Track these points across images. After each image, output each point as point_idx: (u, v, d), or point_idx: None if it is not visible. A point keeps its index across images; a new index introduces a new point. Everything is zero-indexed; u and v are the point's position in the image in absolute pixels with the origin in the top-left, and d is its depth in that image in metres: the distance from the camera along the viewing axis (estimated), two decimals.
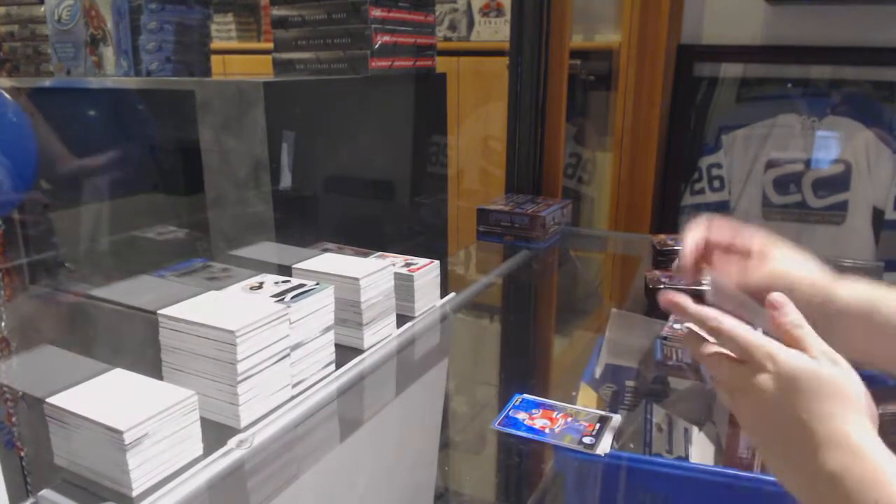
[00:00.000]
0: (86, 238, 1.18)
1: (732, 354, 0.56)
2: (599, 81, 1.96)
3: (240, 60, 2.49)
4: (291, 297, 0.64)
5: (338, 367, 0.69)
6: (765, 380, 0.52)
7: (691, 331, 0.61)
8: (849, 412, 0.49)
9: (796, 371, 0.51)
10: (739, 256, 0.69)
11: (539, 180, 1.63)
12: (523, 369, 1.51)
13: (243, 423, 0.58)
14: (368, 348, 0.73)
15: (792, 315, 0.56)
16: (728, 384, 0.57)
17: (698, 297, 0.64)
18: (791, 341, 0.54)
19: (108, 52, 1.09)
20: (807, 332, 0.55)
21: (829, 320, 0.62)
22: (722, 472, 0.80)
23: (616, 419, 0.87)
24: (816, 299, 0.63)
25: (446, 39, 2.21)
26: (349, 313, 0.72)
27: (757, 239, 0.70)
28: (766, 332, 0.59)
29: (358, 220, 1.08)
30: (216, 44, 2.59)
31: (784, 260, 0.67)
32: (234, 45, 2.70)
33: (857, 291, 0.64)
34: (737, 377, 0.55)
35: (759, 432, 0.55)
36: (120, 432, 0.48)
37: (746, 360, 0.54)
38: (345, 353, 0.71)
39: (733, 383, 0.56)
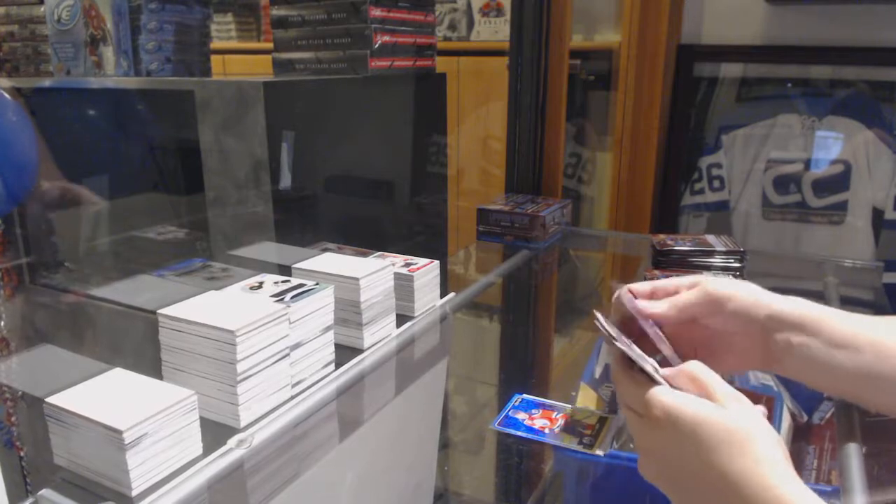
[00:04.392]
0: (86, 238, 1.18)
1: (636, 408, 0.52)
2: (599, 81, 1.96)
3: (239, 60, 2.49)
4: (291, 297, 0.64)
5: (337, 366, 0.69)
6: (665, 438, 0.48)
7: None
8: (768, 462, 0.44)
9: (701, 421, 0.46)
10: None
11: (539, 180, 1.63)
12: (523, 369, 1.51)
13: (243, 423, 0.58)
14: (368, 348, 0.73)
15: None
16: (636, 442, 0.52)
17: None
18: (689, 384, 0.50)
19: (108, 52, 1.09)
20: (706, 373, 0.50)
21: (774, 338, 0.58)
22: None
23: (616, 419, 0.87)
24: (760, 311, 0.58)
25: (446, 39, 2.21)
26: (349, 313, 0.72)
27: (686, 278, 0.63)
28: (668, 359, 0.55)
29: (358, 220, 1.08)
30: (216, 44, 2.60)
31: (716, 280, 0.60)
32: (234, 44, 2.71)
33: (801, 306, 0.58)
34: (639, 434, 0.51)
35: (676, 495, 0.50)
36: (119, 432, 0.48)
37: (643, 415, 0.50)
38: (344, 352, 0.71)
39: (639, 442, 0.52)
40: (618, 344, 0.55)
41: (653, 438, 0.50)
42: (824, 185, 1.70)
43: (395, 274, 0.78)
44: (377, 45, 1.03)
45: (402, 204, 1.18)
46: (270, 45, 1.11)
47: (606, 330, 0.57)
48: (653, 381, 0.51)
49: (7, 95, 0.99)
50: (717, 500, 0.46)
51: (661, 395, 0.49)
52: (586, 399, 0.99)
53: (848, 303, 1.12)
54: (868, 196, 1.66)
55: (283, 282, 0.68)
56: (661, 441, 0.49)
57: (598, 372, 1.06)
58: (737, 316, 0.58)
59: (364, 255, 0.82)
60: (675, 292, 0.62)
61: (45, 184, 1.07)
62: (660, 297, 0.63)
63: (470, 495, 1.32)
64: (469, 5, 2.18)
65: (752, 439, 0.45)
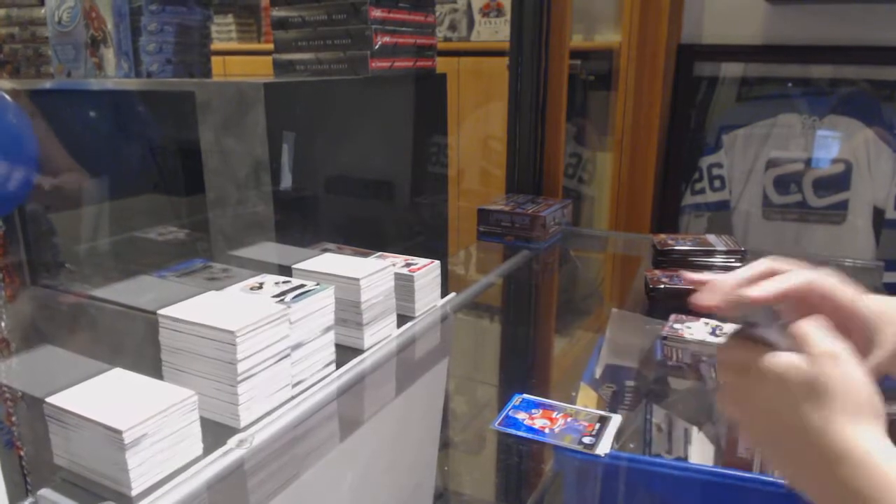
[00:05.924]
0: (87, 238, 1.19)
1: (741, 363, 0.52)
2: (599, 81, 1.96)
3: (240, 61, 2.50)
4: (292, 298, 0.64)
5: (338, 367, 0.69)
6: (760, 389, 0.50)
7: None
8: (849, 416, 0.46)
9: (788, 376, 0.48)
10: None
11: (539, 180, 1.63)
12: (523, 369, 1.52)
13: (243, 423, 0.58)
14: (368, 348, 0.73)
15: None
16: (731, 394, 0.54)
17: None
18: (795, 340, 0.51)
19: (109, 54, 1.09)
20: (810, 329, 0.51)
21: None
22: (721, 473, 0.80)
23: (616, 419, 0.88)
24: None
25: (446, 39, 2.21)
26: (349, 313, 0.72)
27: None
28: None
29: (358, 221, 1.08)
30: (216, 45, 2.60)
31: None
32: (235, 46, 2.71)
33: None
34: (736, 387, 0.53)
35: (765, 444, 0.52)
36: (119, 432, 0.48)
37: (748, 370, 0.51)
38: (345, 353, 0.71)
39: (734, 395, 0.53)
40: (761, 331, 0.53)
41: (761, 391, 0.50)
42: (825, 185, 1.70)
43: (396, 274, 0.78)
44: (377, 46, 1.03)
45: (402, 204, 1.18)
46: (271, 47, 1.12)
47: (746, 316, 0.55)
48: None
49: (8, 97, 1.00)
50: (800, 448, 0.47)
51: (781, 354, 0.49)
52: (586, 399, 0.99)
53: None
54: (869, 195, 1.66)
55: (283, 282, 0.68)
56: (772, 393, 0.49)
57: (598, 372, 1.06)
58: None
59: (364, 255, 0.82)
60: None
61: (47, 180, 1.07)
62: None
63: (470, 495, 1.32)
64: (469, 5, 2.19)
65: (837, 392, 0.46)
